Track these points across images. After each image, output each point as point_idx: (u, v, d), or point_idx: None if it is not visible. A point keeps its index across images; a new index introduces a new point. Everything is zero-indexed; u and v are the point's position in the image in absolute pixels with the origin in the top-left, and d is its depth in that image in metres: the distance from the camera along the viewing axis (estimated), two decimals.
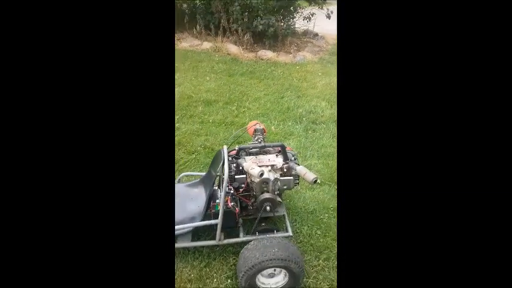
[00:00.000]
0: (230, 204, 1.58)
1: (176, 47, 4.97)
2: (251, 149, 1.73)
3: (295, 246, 1.51)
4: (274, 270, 1.48)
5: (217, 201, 1.64)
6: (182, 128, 2.89)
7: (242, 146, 1.74)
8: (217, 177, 1.73)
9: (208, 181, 1.74)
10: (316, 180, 1.51)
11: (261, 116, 3.18)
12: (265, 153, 1.76)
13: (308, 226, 1.93)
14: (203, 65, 4.33)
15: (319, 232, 1.89)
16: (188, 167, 2.37)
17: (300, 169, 1.58)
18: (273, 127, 2.99)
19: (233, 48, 4.86)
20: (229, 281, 1.55)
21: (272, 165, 1.69)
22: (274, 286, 1.52)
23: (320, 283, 1.60)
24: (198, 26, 5.08)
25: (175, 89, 3.59)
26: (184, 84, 3.75)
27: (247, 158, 1.73)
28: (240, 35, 4.92)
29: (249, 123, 1.98)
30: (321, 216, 2.00)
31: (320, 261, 1.71)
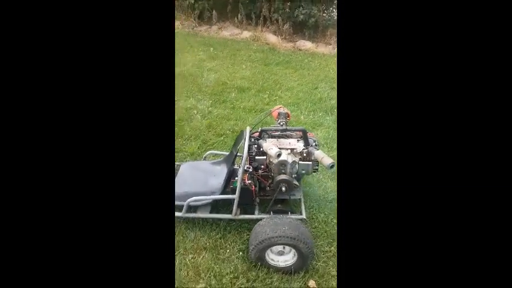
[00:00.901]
0: (248, 181, 1.65)
1: (217, 35, 5.13)
2: (273, 131, 1.78)
3: (306, 228, 1.55)
4: (284, 248, 1.54)
5: (236, 178, 1.73)
6: (214, 112, 3.02)
7: (264, 127, 1.80)
8: (238, 156, 1.82)
9: (230, 159, 1.84)
10: (332, 166, 1.52)
11: (291, 105, 3.20)
12: (287, 137, 1.80)
13: (325, 214, 1.94)
14: (241, 54, 4.42)
15: (334, 221, 1.89)
16: (215, 148, 2.50)
17: (318, 153, 1.60)
18: (302, 116, 3.00)
19: (272, 38, 4.89)
20: (240, 253, 1.64)
21: (292, 149, 1.73)
22: (283, 264, 1.58)
23: (329, 268, 1.62)
24: (239, 15, 5.18)
25: (212, 75, 3.74)
26: (221, 71, 3.88)
27: (269, 140, 1.79)
28: (280, 25, 4.91)
29: (273, 107, 2.02)
30: None
31: (332, 247, 1.72)
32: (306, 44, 4.75)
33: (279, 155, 1.58)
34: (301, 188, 1.88)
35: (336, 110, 3.10)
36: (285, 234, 1.45)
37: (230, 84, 3.56)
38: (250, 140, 1.74)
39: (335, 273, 1.58)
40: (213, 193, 1.73)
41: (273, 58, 4.33)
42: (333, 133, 2.76)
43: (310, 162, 1.70)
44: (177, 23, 5.38)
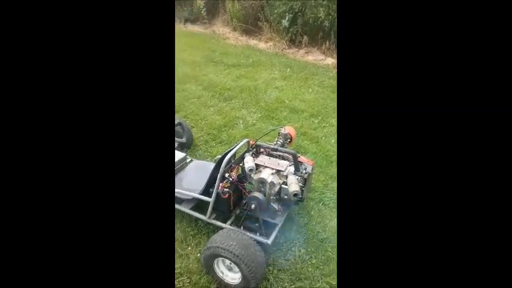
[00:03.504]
0: (225, 189, 1.69)
1: (301, 58, 5.28)
2: (265, 148, 1.77)
3: (260, 253, 1.47)
4: (230, 263, 1.50)
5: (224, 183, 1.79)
6: (257, 125, 3.14)
7: (260, 143, 1.81)
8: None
9: (219, 165, 1.90)
10: (296, 195, 1.41)
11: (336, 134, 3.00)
12: (282, 158, 1.76)
13: (307, 251, 1.77)
14: (314, 78, 4.42)
15: (313, 261, 1.70)
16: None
17: (291, 178, 1.51)
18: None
19: None
20: (198, 255, 1.68)
21: (278, 170, 1.68)
22: (230, 281, 1.53)
23: None
24: (327, 42, 5.19)
25: (274, 93, 3.88)
26: (285, 91, 3.98)
27: (263, 156, 1.79)
28: None
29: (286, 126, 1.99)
30: (328, 249, 1.78)
31: (292, 286, 1.56)
32: None
33: (250, 170, 1.57)
34: (284, 214, 1.78)
35: None
36: (230, 248, 1.42)
37: (287, 104, 3.61)
38: (247, 151, 1.79)
39: None
40: (194, 191, 1.83)
41: None
42: None
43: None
44: (268, 44, 5.82)
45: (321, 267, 1.67)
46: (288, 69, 4.68)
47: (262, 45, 5.91)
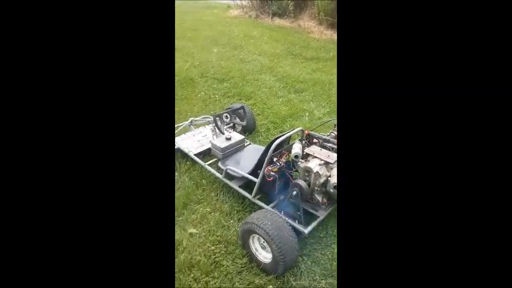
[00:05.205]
0: (271, 172, 1.74)
1: None
2: (317, 138, 1.74)
3: (293, 238, 1.47)
4: (264, 242, 1.54)
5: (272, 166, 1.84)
6: (323, 118, 3.06)
7: (312, 133, 1.79)
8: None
9: (269, 147, 1.93)
10: (336, 187, 1.35)
11: None
12: (335, 151, 1.71)
13: None
14: None
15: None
16: None
17: (336, 170, 1.45)
18: None
19: None
20: (238, 228, 1.78)
21: (327, 162, 1.64)
22: (262, 259, 1.59)
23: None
24: None
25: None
26: None
27: (314, 146, 1.77)
28: None
29: None
30: None
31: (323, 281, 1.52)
32: None
33: (295, 156, 1.57)
34: (328, 208, 1.72)
35: None
36: (264, 227, 1.46)
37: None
38: (300, 140, 1.81)
39: None
40: (245, 171, 1.93)
41: None
42: None
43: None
44: None
45: None
46: None
47: None
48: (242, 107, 2.49)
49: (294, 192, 1.62)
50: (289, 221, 1.61)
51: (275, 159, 1.75)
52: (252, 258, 1.62)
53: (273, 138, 1.76)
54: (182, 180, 2.15)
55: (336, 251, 1.67)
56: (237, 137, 2.28)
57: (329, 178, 1.60)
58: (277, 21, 7.47)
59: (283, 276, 1.52)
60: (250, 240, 1.61)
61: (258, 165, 1.87)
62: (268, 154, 1.71)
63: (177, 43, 5.73)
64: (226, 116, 2.38)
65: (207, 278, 1.50)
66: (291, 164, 1.81)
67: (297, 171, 1.80)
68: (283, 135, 1.76)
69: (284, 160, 1.79)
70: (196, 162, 2.27)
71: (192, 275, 1.51)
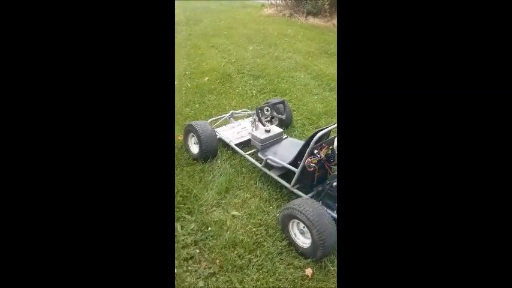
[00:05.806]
0: (312, 164, 1.83)
1: None
2: None
3: (332, 224, 1.56)
4: (304, 227, 1.64)
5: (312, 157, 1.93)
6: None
7: None
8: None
9: (310, 139, 2.01)
10: None
11: None
12: None
13: None
14: None
15: None
16: None
17: None
18: None
19: None
20: (277, 214, 1.89)
21: None
22: (301, 243, 1.68)
23: None
24: None
25: None
26: None
27: None
28: None
29: None
30: None
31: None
32: None
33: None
34: None
35: None
36: (305, 213, 1.56)
37: None
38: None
39: None
40: (283, 161, 2.04)
41: None
42: None
43: None
44: None
45: None
46: None
47: None
48: (282, 101, 2.60)
49: (334, 184, 1.70)
50: (328, 210, 1.70)
51: (315, 151, 1.84)
52: (291, 242, 1.72)
53: (314, 131, 1.85)
54: (224, 167, 2.30)
55: None
56: (275, 130, 2.39)
57: None
58: (311, 20, 7.48)
59: (321, 261, 1.61)
60: (290, 225, 1.72)
61: (299, 156, 1.96)
62: (310, 146, 1.80)
63: (214, 40, 5.95)
64: (267, 109, 2.49)
65: (249, 255, 1.63)
66: (330, 157, 1.89)
67: (335, 164, 1.87)
68: (325, 128, 1.85)
69: (324, 153, 1.87)
70: (237, 152, 2.41)
71: (236, 252, 1.65)
